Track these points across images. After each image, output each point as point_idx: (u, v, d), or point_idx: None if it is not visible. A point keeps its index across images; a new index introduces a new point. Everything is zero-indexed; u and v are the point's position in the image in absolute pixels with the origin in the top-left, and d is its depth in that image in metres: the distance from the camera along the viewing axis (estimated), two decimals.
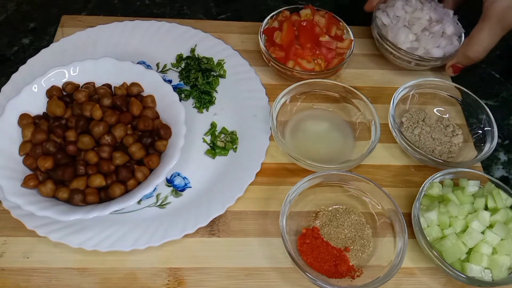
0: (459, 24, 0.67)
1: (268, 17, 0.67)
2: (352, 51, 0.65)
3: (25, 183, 0.48)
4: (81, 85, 0.56)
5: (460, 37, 0.67)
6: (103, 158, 0.50)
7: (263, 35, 0.66)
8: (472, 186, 0.53)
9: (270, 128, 0.59)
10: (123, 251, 0.49)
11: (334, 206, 0.54)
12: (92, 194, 0.48)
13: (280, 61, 0.63)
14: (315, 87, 0.62)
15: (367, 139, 0.58)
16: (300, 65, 0.63)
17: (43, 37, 0.71)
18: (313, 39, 0.63)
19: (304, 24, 0.64)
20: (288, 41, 0.63)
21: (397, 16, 0.67)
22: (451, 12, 0.68)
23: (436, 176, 0.53)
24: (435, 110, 0.65)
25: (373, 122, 0.58)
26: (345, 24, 0.68)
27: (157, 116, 0.55)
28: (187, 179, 0.56)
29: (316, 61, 0.63)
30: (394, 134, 0.59)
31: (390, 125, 0.60)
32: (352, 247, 0.51)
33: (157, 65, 0.66)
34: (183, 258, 0.50)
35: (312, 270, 0.48)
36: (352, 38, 0.66)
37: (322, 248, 0.50)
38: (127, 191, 0.50)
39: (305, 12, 0.66)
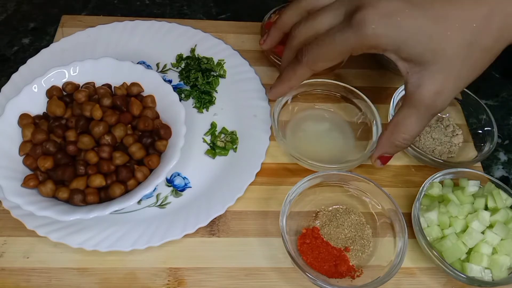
0: None
1: (271, 12, 0.67)
2: None
3: (25, 183, 0.48)
4: (81, 85, 0.56)
5: None
6: (103, 158, 0.50)
7: (265, 29, 0.66)
8: (472, 186, 0.53)
9: (270, 128, 0.59)
10: (123, 251, 0.49)
11: (334, 206, 0.54)
12: (92, 194, 0.48)
13: (280, 55, 0.63)
14: (316, 87, 0.62)
15: (368, 139, 0.58)
16: None
17: (43, 37, 0.71)
18: None
19: None
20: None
21: None
22: None
23: (436, 176, 0.53)
24: None
25: (374, 122, 0.58)
26: None
27: (157, 116, 0.55)
28: (187, 179, 0.56)
29: None
30: None
31: None
32: (352, 247, 0.51)
33: (157, 65, 0.66)
34: (183, 258, 0.50)
35: (312, 270, 0.48)
36: None
37: (322, 248, 0.50)
38: (127, 191, 0.50)
39: None
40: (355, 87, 0.60)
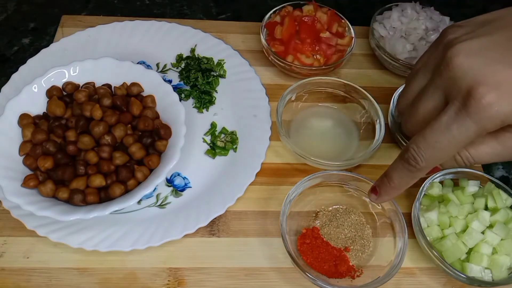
0: None
1: (271, 12, 0.68)
2: (352, 48, 0.65)
3: (25, 183, 0.48)
4: (81, 85, 0.56)
5: None
6: (103, 158, 0.50)
7: (265, 29, 0.66)
8: (472, 186, 0.53)
9: (270, 128, 0.59)
10: (123, 251, 0.49)
11: (334, 206, 0.54)
12: (92, 194, 0.48)
13: (280, 55, 0.63)
14: (320, 85, 0.62)
15: (371, 138, 0.58)
16: (299, 60, 0.63)
17: (43, 37, 0.71)
18: (313, 35, 0.64)
19: (306, 19, 0.64)
20: (288, 35, 0.64)
21: (394, 28, 0.68)
22: (447, 19, 0.68)
23: (436, 176, 0.53)
24: None
25: (377, 121, 0.58)
26: (347, 22, 0.68)
27: (157, 116, 0.55)
28: (187, 179, 0.56)
29: (315, 57, 0.64)
30: (394, 134, 0.59)
31: (390, 125, 0.60)
32: (352, 247, 0.51)
33: (157, 65, 0.66)
34: (183, 258, 0.50)
35: (312, 270, 0.48)
36: (353, 35, 0.66)
37: (322, 248, 0.50)
38: (127, 191, 0.50)
39: (308, 8, 0.66)
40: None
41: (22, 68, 0.61)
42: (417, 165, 0.40)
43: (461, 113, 0.37)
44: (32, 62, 0.62)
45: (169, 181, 0.55)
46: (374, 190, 0.46)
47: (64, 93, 0.55)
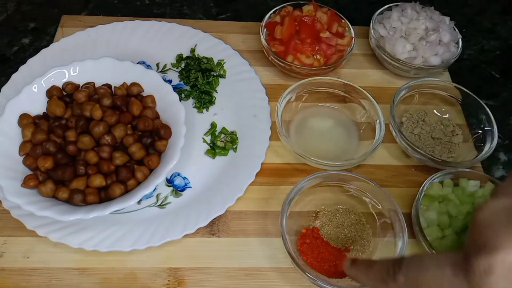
0: (456, 29, 0.68)
1: (271, 12, 0.68)
2: (352, 48, 0.65)
3: (25, 183, 0.48)
4: (81, 85, 0.56)
5: (457, 42, 0.67)
6: (103, 158, 0.50)
7: (265, 29, 0.66)
8: (472, 186, 0.53)
9: (270, 128, 0.59)
10: (123, 251, 0.49)
11: (334, 206, 0.54)
12: (92, 194, 0.48)
13: (280, 55, 0.63)
14: (320, 85, 0.62)
15: (371, 138, 0.58)
16: (299, 59, 0.63)
17: (43, 37, 0.71)
18: (313, 35, 0.64)
19: (306, 19, 0.64)
20: (288, 35, 0.64)
21: (394, 28, 0.68)
22: (447, 19, 0.68)
23: (436, 176, 0.53)
24: (435, 110, 0.65)
25: (377, 121, 0.58)
26: (347, 22, 0.68)
27: (157, 116, 0.55)
28: (187, 179, 0.56)
29: (315, 57, 0.64)
30: (394, 134, 0.59)
31: (390, 125, 0.60)
32: (352, 247, 0.51)
33: (157, 65, 0.66)
34: (183, 258, 0.50)
35: (312, 270, 0.48)
36: (353, 35, 0.66)
37: (322, 248, 0.50)
38: (127, 191, 0.50)
39: (308, 8, 0.66)
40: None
41: (22, 68, 0.61)
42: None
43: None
44: (32, 62, 0.62)
45: (169, 181, 0.55)
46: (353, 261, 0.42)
47: (64, 93, 0.55)
